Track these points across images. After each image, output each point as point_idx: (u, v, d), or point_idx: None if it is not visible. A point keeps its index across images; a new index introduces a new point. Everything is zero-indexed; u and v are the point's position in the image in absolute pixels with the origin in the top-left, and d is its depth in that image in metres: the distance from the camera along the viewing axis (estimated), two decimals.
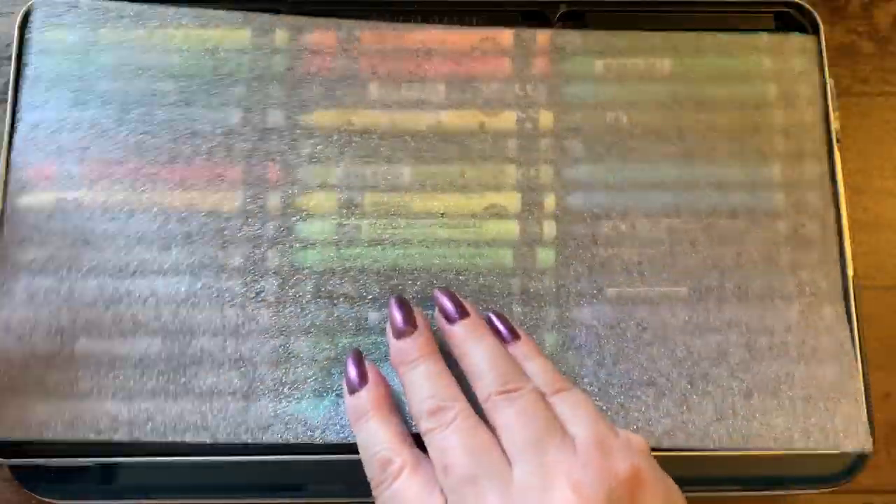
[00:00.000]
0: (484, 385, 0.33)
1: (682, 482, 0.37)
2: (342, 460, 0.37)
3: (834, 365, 0.38)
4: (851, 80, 0.46)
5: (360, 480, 0.33)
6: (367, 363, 0.36)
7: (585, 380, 0.38)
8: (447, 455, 0.31)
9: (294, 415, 0.37)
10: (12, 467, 0.37)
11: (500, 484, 0.30)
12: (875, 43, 0.46)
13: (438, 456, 0.32)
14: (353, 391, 0.35)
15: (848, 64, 0.46)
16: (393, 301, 0.36)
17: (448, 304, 0.36)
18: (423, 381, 0.34)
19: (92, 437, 0.36)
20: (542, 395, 0.33)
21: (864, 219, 0.43)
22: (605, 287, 0.39)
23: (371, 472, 0.33)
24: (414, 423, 0.34)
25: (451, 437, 0.32)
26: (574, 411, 0.32)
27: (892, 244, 0.43)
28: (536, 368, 0.34)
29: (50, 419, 0.36)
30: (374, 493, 0.33)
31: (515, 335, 0.36)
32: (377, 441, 0.33)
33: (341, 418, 0.37)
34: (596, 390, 0.37)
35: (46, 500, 0.37)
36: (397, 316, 0.35)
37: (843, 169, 0.40)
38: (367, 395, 0.35)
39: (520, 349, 0.35)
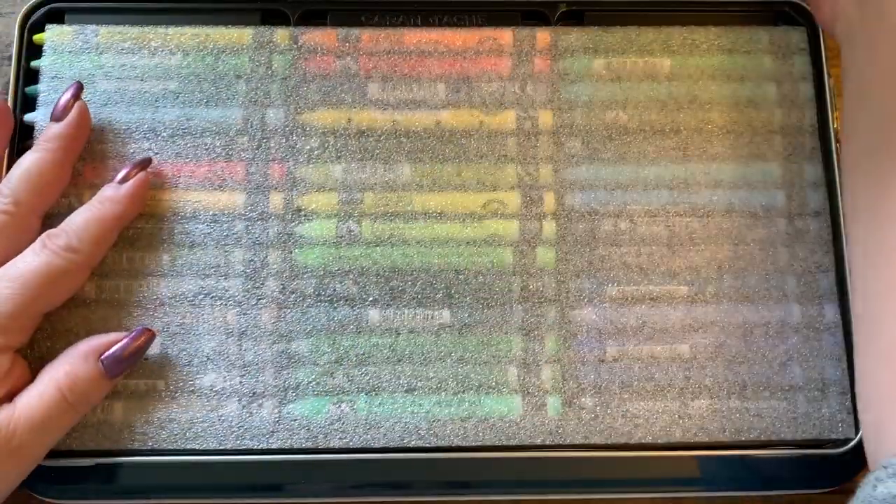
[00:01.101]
0: None
1: (683, 483, 0.37)
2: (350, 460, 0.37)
3: (825, 360, 0.38)
4: None
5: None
6: None
7: (586, 378, 0.38)
8: None
9: (297, 420, 0.37)
10: None
11: None
12: None
13: None
14: None
15: None
16: None
17: None
18: None
19: (108, 446, 0.37)
20: None
21: None
22: (605, 285, 0.39)
23: None
24: None
25: None
26: None
27: None
28: None
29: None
30: None
31: None
32: None
33: (343, 423, 0.37)
34: (596, 388, 0.38)
35: (46, 500, 0.37)
36: None
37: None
38: None
39: None
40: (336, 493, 0.37)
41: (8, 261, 0.35)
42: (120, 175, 0.38)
